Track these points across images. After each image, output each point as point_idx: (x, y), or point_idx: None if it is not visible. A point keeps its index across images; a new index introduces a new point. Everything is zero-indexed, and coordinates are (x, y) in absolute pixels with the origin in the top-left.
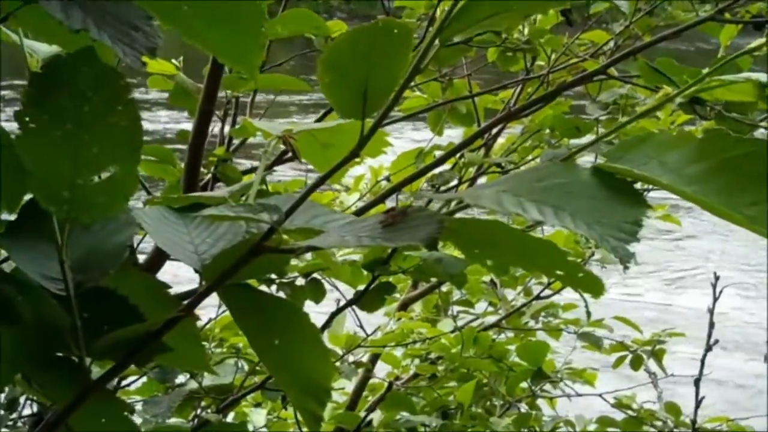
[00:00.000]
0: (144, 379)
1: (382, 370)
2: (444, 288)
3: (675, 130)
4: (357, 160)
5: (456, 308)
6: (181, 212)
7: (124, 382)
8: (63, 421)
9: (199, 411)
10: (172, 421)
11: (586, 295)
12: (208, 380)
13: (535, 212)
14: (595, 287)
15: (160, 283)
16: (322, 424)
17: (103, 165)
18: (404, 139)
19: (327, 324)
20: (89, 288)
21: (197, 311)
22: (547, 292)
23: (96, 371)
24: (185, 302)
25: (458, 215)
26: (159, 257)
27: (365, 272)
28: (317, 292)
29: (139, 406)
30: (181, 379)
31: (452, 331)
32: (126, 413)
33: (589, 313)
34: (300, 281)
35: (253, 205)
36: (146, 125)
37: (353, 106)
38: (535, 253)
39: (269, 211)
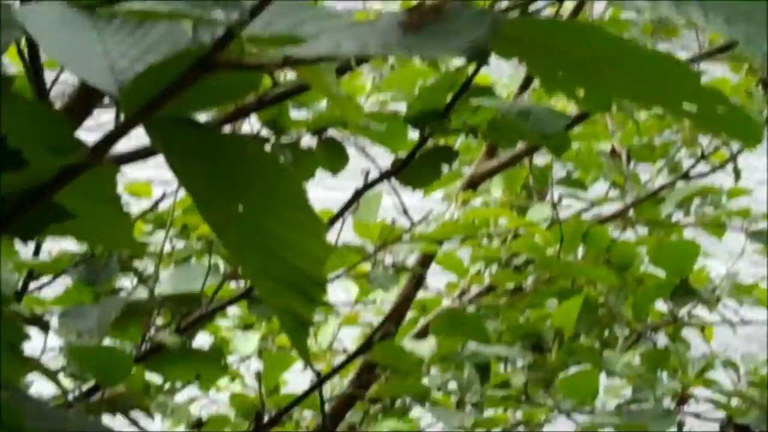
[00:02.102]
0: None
1: (437, 278)
2: (538, 159)
3: None
4: None
5: (557, 190)
6: (90, 9)
7: (33, 285)
8: None
9: (152, 331)
10: (109, 342)
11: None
12: (164, 287)
13: None
14: (750, 131)
15: (60, 117)
16: (309, 333)
17: None
18: None
19: (348, 206)
20: None
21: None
22: (703, 168)
23: None
24: (95, 144)
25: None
26: (86, 95)
27: (411, 129)
28: (334, 158)
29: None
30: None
31: (549, 224)
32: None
33: None
34: (308, 141)
35: None
36: None
37: None
38: (655, 76)
39: (226, 7)
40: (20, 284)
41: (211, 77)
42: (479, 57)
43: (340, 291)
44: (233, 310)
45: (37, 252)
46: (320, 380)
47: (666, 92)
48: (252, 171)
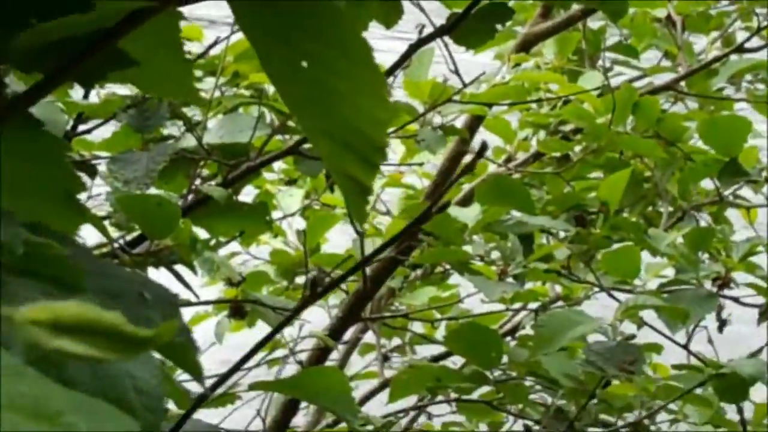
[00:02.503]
0: (113, 127)
1: (476, 143)
2: (592, 23)
3: None
4: None
5: (610, 56)
6: None
7: (82, 128)
8: None
9: (197, 182)
10: (155, 192)
11: None
12: (212, 136)
13: None
14: None
15: None
16: (368, 200)
17: None
18: None
19: (401, 62)
20: None
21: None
22: (757, 42)
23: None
24: None
25: None
26: None
27: None
28: (389, 11)
29: (103, 166)
30: (173, 131)
31: (600, 92)
32: (63, 154)
33: None
34: None
35: None
36: None
37: None
38: None
39: None
40: (70, 126)
41: None
42: None
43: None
44: (279, 165)
45: (86, 94)
46: (361, 240)
47: None
48: (318, 23)
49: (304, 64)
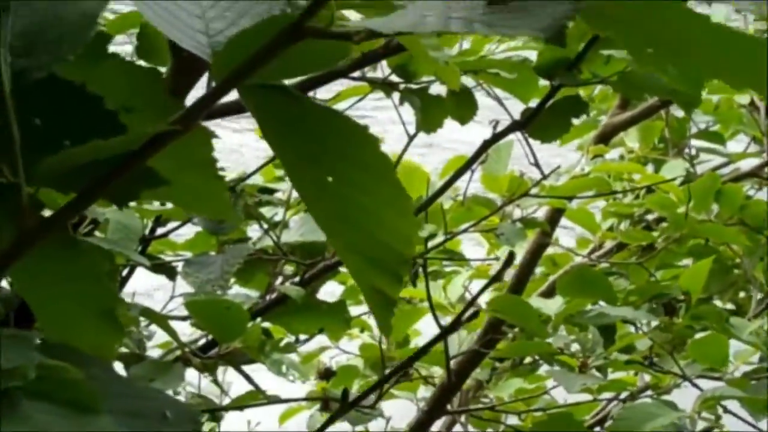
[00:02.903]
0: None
1: (566, 235)
2: (676, 111)
3: None
4: None
5: (695, 144)
6: None
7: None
8: None
9: (279, 281)
10: (235, 292)
11: None
12: (292, 235)
13: None
14: None
15: (156, 78)
16: (394, 312)
17: None
18: None
19: (476, 157)
20: (38, 79)
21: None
22: None
23: None
24: (187, 109)
25: None
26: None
27: (541, 80)
28: (464, 107)
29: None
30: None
31: (683, 180)
32: (101, 270)
33: None
34: (438, 88)
35: None
36: None
37: None
38: (739, 56)
39: None
40: (148, 230)
41: (302, 43)
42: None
43: (470, 245)
44: None
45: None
46: (442, 334)
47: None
48: (342, 141)
49: (330, 179)
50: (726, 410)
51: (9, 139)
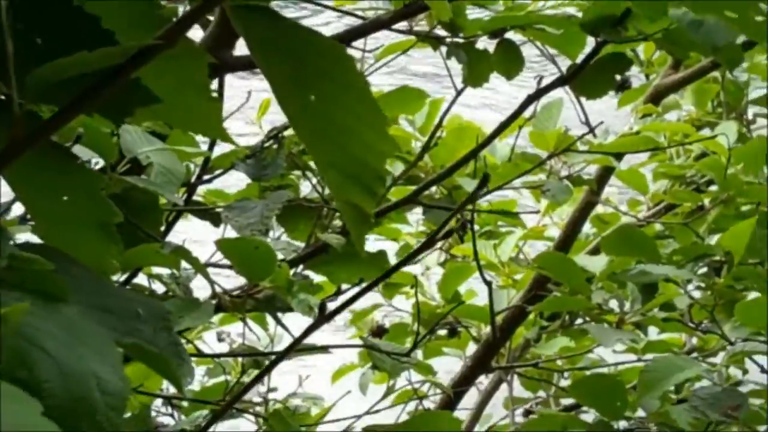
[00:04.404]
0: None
1: (614, 194)
2: (733, 76)
3: None
4: None
5: (753, 110)
6: None
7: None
8: None
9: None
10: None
11: None
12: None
13: None
14: None
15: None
16: (369, 227)
17: None
18: None
19: (519, 112)
20: None
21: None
22: None
23: None
24: (171, 24)
25: None
26: None
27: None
28: (510, 62)
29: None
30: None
31: (735, 142)
32: (97, 186)
33: None
34: (484, 44)
35: None
36: None
37: None
38: None
39: None
40: (194, 177)
41: None
42: None
43: (527, 201)
44: (416, 218)
45: (212, 146)
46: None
47: None
48: (325, 63)
49: (312, 97)
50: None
51: (2, 53)
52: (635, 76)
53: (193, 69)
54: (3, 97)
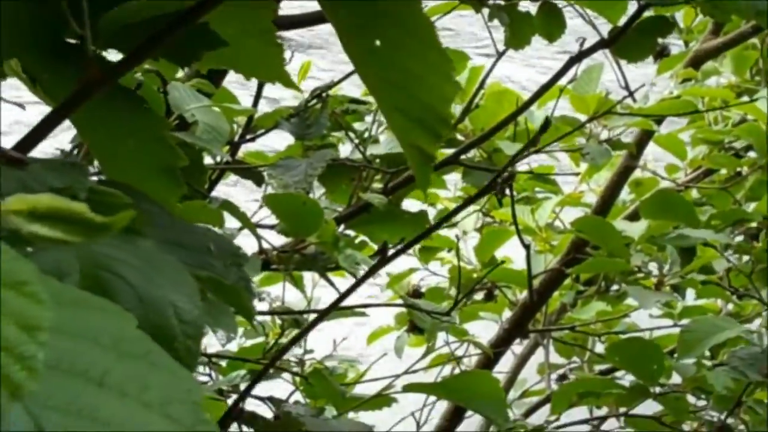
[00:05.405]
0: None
1: (651, 162)
2: None
3: None
4: None
5: None
6: None
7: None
8: (50, 127)
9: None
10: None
11: None
12: (381, 149)
13: None
14: None
15: None
16: (432, 168)
17: None
18: None
19: (560, 75)
20: None
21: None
22: None
23: None
24: None
25: None
26: None
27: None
28: (552, 24)
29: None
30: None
31: None
32: (163, 130)
33: None
34: (526, 5)
35: None
36: None
37: None
38: None
39: None
40: (237, 135)
41: None
42: None
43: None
44: (455, 182)
45: (255, 103)
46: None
47: None
48: (392, 8)
49: (378, 43)
50: None
51: None
52: (674, 44)
53: (258, 15)
54: (72, 41)
